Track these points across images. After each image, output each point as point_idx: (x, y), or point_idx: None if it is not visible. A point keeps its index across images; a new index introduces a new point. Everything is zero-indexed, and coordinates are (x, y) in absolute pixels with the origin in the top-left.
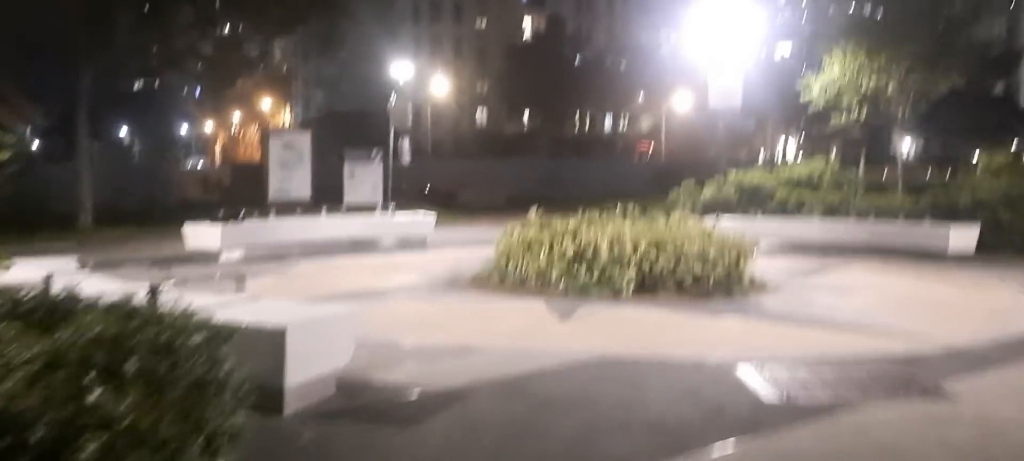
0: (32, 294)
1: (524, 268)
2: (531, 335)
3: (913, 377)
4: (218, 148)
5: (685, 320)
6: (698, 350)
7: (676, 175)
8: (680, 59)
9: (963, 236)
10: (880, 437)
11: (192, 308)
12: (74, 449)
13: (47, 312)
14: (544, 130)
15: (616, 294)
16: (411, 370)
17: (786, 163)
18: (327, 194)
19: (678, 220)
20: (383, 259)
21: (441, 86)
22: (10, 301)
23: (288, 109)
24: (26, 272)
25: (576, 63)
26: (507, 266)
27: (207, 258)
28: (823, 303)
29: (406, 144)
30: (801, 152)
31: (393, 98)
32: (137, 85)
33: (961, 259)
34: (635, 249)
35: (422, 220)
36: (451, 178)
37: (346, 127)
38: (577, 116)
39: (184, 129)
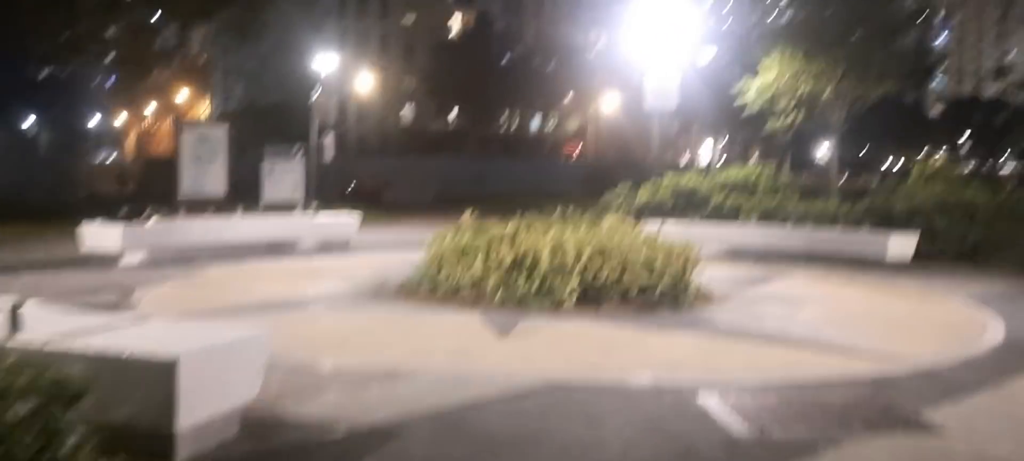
0: None
1: (458, 276)
2: (469, 355)
3: (891, 405)
4: (132, 141)
5: (635, 337)
6: (654, 373)
7: (606, 176)
8: (609, 60)
9: (901, 244)
10: None
11: (56, 335)
12: None
13: None
14: (471, 129)
15: (557, 305)
16: (332, 401)
17: (712, 167)
18: (245, 192)
19: (617, 225)
20: (303, 263)
21: (367, 82)
22: None
23: (207, 102)
24: None
25: (504, 62)
26: (439, 273)
27: (105, 262)
28: (775, 316)
29: (330, 140)
30: (725, 156)
31: (317, 91)
32: (44, 73)
33: (900, 267)
34: (578, 257)
35: (345, 221)
36: (376, 176)
37: (267, 121)
38: (505, 115)
39: (96, 121)
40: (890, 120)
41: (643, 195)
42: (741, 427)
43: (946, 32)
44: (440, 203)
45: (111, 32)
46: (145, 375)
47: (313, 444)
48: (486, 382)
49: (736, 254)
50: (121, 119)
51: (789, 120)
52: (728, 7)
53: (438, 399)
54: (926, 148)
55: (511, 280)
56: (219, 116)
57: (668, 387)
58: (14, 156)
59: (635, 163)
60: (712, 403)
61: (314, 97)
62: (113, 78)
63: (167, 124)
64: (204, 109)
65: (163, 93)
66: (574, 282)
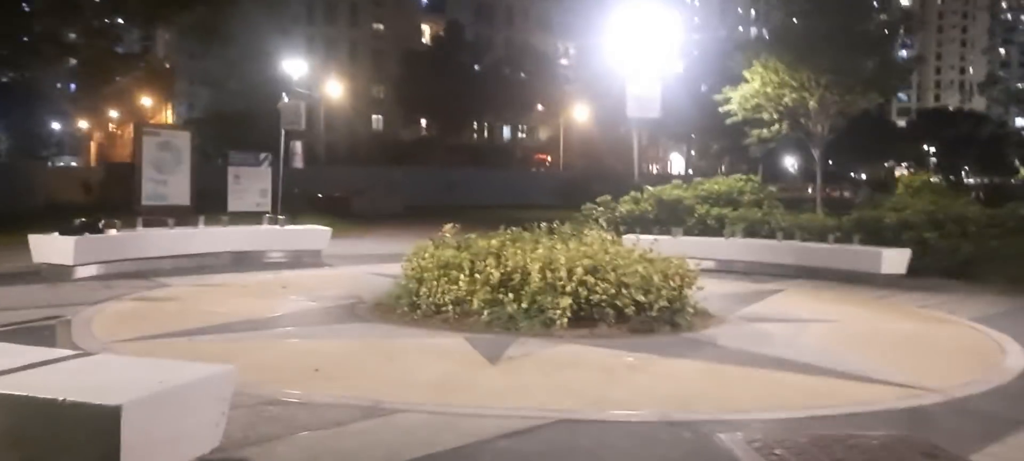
0: None
1: (440, 294)
2: (457, 387)
3: (935, 448)
4: (95, 147)
5: (637, 362)
6: (665, 406)
7: (580, 187)
8: (581, 70)
9: (894, 259)
10: None
11: None
12: None
13: None
14: (442, 138)
15: (548, 326)
16: (304, 445)
17: (690, 178)
18: (211, 200)
19: (607, 240)
20: (271, 277)
21: (336, 89)
22: None
23: (171, 108)
24: None
25: (474, 71)
26: (419, 290)
27: (55, 276)
28: (780, 337)
29: (299, 147)
30: (691, 169)
31: (284, 96)
32: (3, 78)
33: (893, 283)
34: (571, 275)
35: (316, 231)
36: (346, 185)
37: (234, 128)
38: (475, 125)
39: (58, 126)
40: (858, 131)
41: (624, 207)
42: None
43: (909, 45)
44: (410, 213)
45: (69, 35)
46: (83, 425)
47: None
48: (480, 418)
49: (724, 269)
50: (84, 125)
51: (775, 130)
52: (702, 17)
53: (426, 443)
54: (891, 160)
55: (498, 299)
56: (185, 123)
57: (683, 422)
58: None
59: (610, 173)
60: (737, 445)
61: (280, 101)
62: (75, 84)
63: (130, 130)
64: (169, 115)
65: (127, 99)
66: (566, 301)
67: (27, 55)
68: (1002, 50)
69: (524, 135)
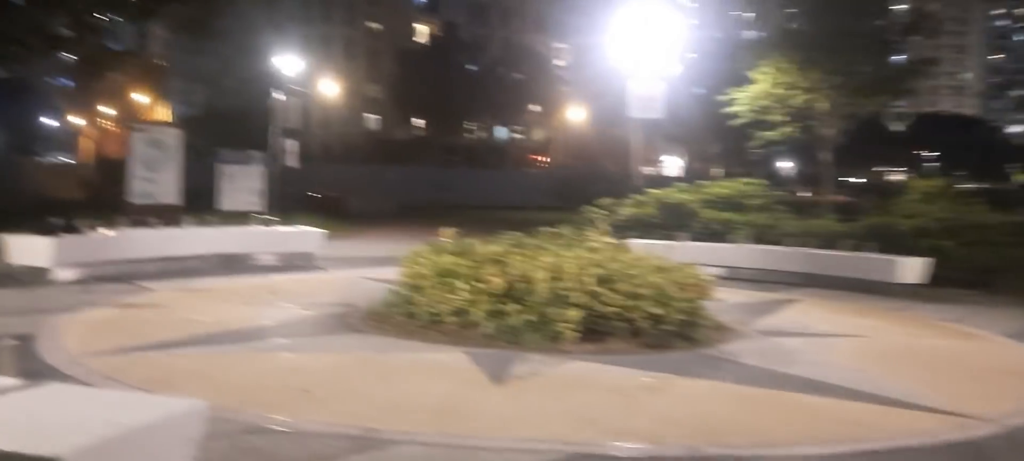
0: None
1: (438, 304)
2: (459, 413)
3: None
4: (88, 144)
5: (656, 383)
6: (694, 439)
7: (577, 188)
8: (577, 71)
9: (911, 268)
10: None
11: None
12: None
13: None
14: (436, 137)
15: (555, 340)
16: None
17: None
18: (203, 199)
19: (616, 247)
20: (260, 281)
21: (330, 88)
22: None
23: (165, 105)
24: None
25: (470, 71)
26: (416, 299)
27: (30, 279)
28: (805, 355)
29: (293, 146)
30: (686, 172)
31: (278, 94)
32: None
33: (911, 293)
34: (581, 285)
35: (308, 233)
36: (340, 184)
37: (228, 126)
38: (470, 125)
39: (51, 123)
40: (853, 136)
41: (626, 209)
42: None
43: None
44: (404, 213)
45: (56, 28)
46: None
47: None
48: (485, 453)
49: (734, 277)
50: (78, 121)
51: (788, 131)
52: (700, 18)
53: None
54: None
55: (501, 310)
56: (179, 121)
57: (717, 458)
58: None
59: (605, 174)
60: None
61: (274, 99)
62: (68, 80)
63: (122, 127)
64: (163, 112)
65: (120, 96)
66: (575, 313)
67: (14, 47)
68: (998, 56)
69: (519, 135)
